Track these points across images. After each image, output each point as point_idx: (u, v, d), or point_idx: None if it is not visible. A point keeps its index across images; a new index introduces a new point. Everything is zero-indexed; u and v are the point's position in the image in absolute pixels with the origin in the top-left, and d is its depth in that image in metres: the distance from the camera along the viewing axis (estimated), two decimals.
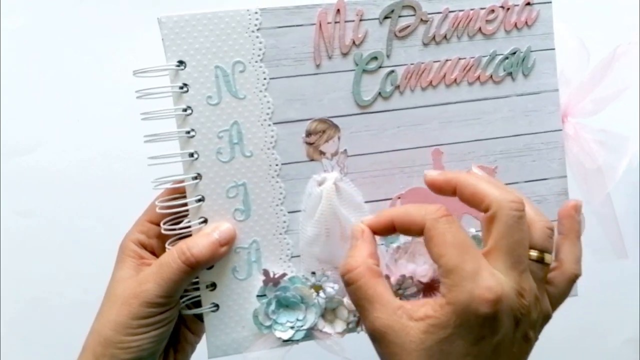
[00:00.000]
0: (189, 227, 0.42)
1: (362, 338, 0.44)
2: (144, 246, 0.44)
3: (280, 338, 0.43)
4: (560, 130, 0.46)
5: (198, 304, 0.43)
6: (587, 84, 0.45)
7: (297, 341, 0.43)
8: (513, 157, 0.46)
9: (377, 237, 0.43)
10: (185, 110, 0.42)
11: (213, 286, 0.43)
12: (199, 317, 0.45)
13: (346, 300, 0.44)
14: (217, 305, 0.43)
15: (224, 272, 0.43)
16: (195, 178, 0.42)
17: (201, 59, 0.42)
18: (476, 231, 0.45)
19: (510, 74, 0.45)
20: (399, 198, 0.45)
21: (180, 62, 0.41)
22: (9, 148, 0.69)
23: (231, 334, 0.43)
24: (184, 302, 0.43)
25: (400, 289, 0.43)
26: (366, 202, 0.44)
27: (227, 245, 0.42)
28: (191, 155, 0.42)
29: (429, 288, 0.44)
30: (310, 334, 0.43)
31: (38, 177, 0.69)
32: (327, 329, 0.44)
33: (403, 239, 0.44)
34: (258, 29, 0.42)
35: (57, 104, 0.69)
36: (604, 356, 0.75)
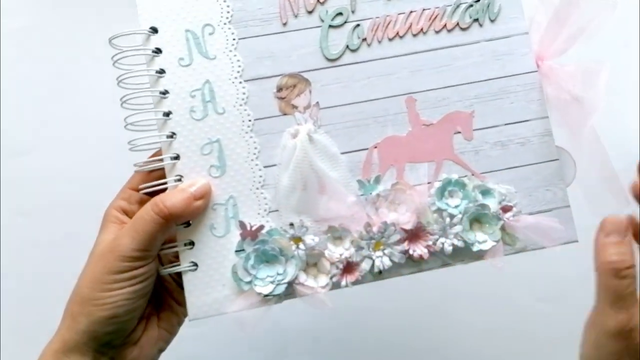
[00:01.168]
0: (165, 184, 0.44)
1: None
2: (125, 212, 0.47)
3: (260, 293, 0.43)
4: (536, 71, 0.48)
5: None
6: (554, 24, 0.47)
7: (279, 296, 0.44)
8: (488, 100, 0.47)
9: (356, 187, 0.44)
10: (158, 72, 0.45)
11: (191, 245, 0.45)
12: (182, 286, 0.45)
13: (327, 252, 0.44)
14: (195, 264, 0.45)
15: (202, 230, 0.45)
16: (170, 137, 0.45)
17: (172, 24, 0.46)
18: (459, 177, 0.45)
19: (476, 19, 0.48)
20: (375, 147, 0.46)
21: (153, 29, 0.45)
22: (9, 148, 0.73)
23: (212, 293, 0.44)
24: (165, 272, 0.44)
25: (384, 237, 0.44)
26: (342, 152, 0.46)
27: (202, 199, 0.44)
28: (165, 114, 0.45)
29: (413, 236, 0.45)
30: (291, 288, 0.44)
31: (38, 177, 0.72)
32: (309, 282, 0.44)
33: (382, 186, 0.45)
34: None
35: (57, 104, 0.74)
36: None
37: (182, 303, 0.48)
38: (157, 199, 0.43)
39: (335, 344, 0.71)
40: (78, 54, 0.74)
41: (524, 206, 0.47)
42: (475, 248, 0.45)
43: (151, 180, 0.46)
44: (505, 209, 0.46)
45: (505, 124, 0.48)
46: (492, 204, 0.46)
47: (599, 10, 0.45)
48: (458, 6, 0.48)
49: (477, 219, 0.46)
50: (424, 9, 0.48)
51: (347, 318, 0.65)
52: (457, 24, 0.48)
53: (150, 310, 0.47)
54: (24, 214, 0.72)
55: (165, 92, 0.46)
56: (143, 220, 0.43)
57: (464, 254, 0.46)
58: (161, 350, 0.48)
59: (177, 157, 0.45)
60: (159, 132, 0.45)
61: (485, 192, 0.46)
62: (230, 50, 0.47)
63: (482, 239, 0.46)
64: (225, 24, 0.47)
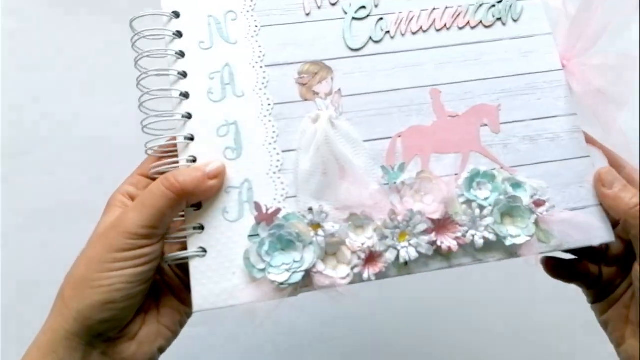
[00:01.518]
0: (177, 163, 0.42)
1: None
2: (132, 198, 0.44)
3: (274, 282, 0.39)
4: (561, 69, 0.47)
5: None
6: (576, 24, 0.48)
7: (295, 286, 0.40)
8: (516, 95, 0.47)
9: (379, 175, 0.42)
10: (178, 53, 0.44)
11: (201, 229, 0.41)
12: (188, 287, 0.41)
13: (348, 241, 0.41)
14: (204, 250, 0.41)
15: (213, 214, 0.42)
16: (186, 117, 0.43)
17: (194, 10, 0.46)
18: (487, 169, 0.44)
19: (499, 19, 0.49)
20: (399, 136, 0.44)
21: (175, 13, 0.45)
22: (9, 148, 0.72)
23: (220, 282, 0.40)
24: (169, 258, 0.41)
25: (409, 226, 0.41)
26: (364, 141, 0.45)
27: (216, 179, 0.41)
28: (183, 94, 0.43)
29: (441, 227, 0.42)
30: (309, 278, 0.40)
31: (38, 177, 0.70)
32: (328, 272, 0.40)
33: (407, 175, 0.43)
34: None
35: (57, 104, 0.74)
36: None
37: (184, 301, 0.45)
38: (168, 174, 0.41)
39: (335, 345, 0.67)
40: (78, 54, 0.75)
41: (557, 203, 0.45)
42: (508, 242, 0.43)
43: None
44: (538, 204, 0.44)
45: (533, 119, 0.47)
46: (524, 197, 0.44)
47: (620, 9, 0.45)
48: (481, 5, 0.49)
49: (509, 212, 0.44)
50: (446, 7, 0.49)
51: (351, 320, 0.61)
52: (481, 21, 0.49)
53: (151, 304, 0.44)
54: (24, 214, 0.70)
55: (183, 74, 0.45)
56: (152, 194, 0.40)
57: (496, 248, 0.43)
58: (162, 349, 0.44)
59: (191, 138, 0.44)
60: (175, 111, 0.44)
61: (516, 185, 0.44)
62: (252, 36, 0.46)
63: (515, 233, 0.43)
64: (248, 11, 0.47)
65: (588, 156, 0.46)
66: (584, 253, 0.49)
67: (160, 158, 0.45)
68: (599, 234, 0.44)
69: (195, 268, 0.41)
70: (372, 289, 0.44)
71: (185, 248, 0.42)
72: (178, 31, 0.46)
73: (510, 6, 0.49)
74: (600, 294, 0.49)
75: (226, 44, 0.46)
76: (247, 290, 0.41)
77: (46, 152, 0.73)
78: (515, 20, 0.49)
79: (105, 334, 0.40)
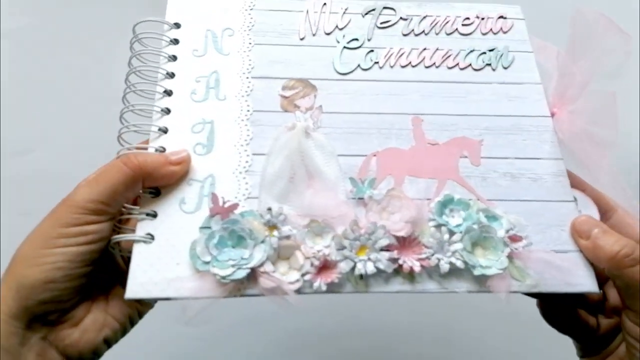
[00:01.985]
0: (146, 149, 0.41)
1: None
2: None
3: (217, 274, 0.37)
4: (549, 116, 0.47)
5: None
6: (564, 75, 0.47)
7: (238, 283, 0.37)
8: (500, 134, 0.46)
9: (347, 188, 0.41)
10: (171, 57, 0.46)
11: (154, 215, 0.40)
12: None
13: (303, 246, 0.38)
14: (152, 237, 0.39)
15: (170, 202, 0.41)
16: (164, 111, 0.44)
17: (195, 23, 0.49)
18: (460, 197, 0.41)
19: (489, 64, 0.49)
20: (374, 155, 0.43)
21: (176, 24, 0.48)
22: (9, 148, 0.72)
23: (162, 271, 0.38)
24: (115, 239, 0.39)
25: (370, 239, 0.38)
26: (338, 155, 0.43)
27: (178, 165, 0.41)
28: (166, 92, 0.44)
29: (406, 246, 0.39)
30: (254, 277, 0.37)
31: (38, 177, 0.70)
32: (276, 274, 0.37)
33: (376, 192, 0.41)
34: (251, 9, 0.50)
35: (57, 104, 0.75)
36: None
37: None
38: (130, 153, 0.40)
39: (336, 345, 0.61)
40: (78, 53, 0.77)
41: (535, 242, 0.41)
42: (477, 272, 0.39)
43: None
44: (515, 239, 0.41)
45: (516, 158, 0.45)
46: (499, 229, 0.41)
47: (608, 54, 0.45)
48: (472, 51, 0.50)
49: (481, 242, 0.41)
50: (437, 48, 0.50)
51: (352, 321, 0.55)
52: (470, 64, 0.49)
53: (99, 293, 0.41)
54: (24, 214, 0.67)
55: (171, 74, 0.46)
56: (108, 170, 0.39)
57: (464, 277, 0.40)
58: (108, 340, 0.40)
59: (165, 131, 0.44)
60: (155, 104, 0.44)
61: (491, 217, 0.41)
62: (245, 51, 0.48)
63: (485, 264, 0.39)
64: (245, 30, 0.49)
65: (572, 201, 0.44)
66: (581, 303, 0.45)
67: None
68: (580, 281, 0.40)
69: (139, 254, 0.39)
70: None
71: None
72: (175, 39, 0.48)
73: (502, 55, 0.50)
74: (593, 347, 0.44)
75: (218, 54, 0.48)
76: (187, 283, 0.38)
77: (46, 152, 0.73)
78: (505, 68, 0.50)
79: (45, 317, 0.37)
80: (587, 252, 0.41)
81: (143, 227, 0.40)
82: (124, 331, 0.42)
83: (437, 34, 0.51)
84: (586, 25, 0.46)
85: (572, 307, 0.45)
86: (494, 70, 0.50)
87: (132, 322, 0.42)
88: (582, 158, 0.44)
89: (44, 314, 0.37)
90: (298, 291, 0.38)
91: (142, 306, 0.43)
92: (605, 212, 0.45)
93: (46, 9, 0.84)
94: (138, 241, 0.39)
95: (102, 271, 0.41)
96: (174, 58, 0.47)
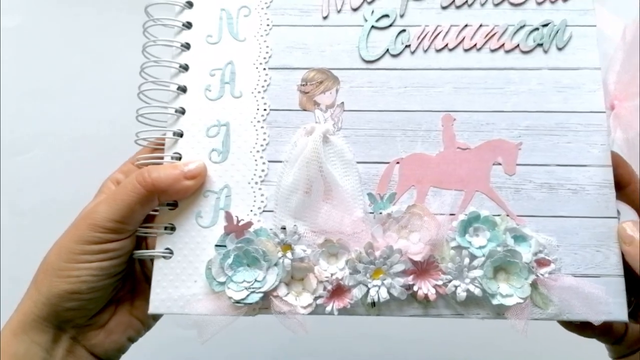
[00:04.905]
0: (161, 158, 0.41)
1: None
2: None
3: (231, 298, 0.37)
4: (604, 112, 0.41)
5: None
6: (629, 63, 0.40)
7: (252, 306, 0.38)
8: (542, 134, 0.41)
9: (366, 202, 0.39)
10: (183, 45, 0.43)
11: (172, 229, 0.40)
12: None
13: (317, 268, 0.38)
14: (171, 251, 0.40)
15: (187, 216, 0.41)
16: (179, 112, 0.42)
17: (209, 1, 0.44)
18: (490, 214, 0.39)
19: (541, 44, 0.43)
20: (398, 162, 0.40)
21: (188, 3, 0.44)
22: (9, 148, 0.73)
23: (180, 287, 0.40)
24: (137, 254, 0.40)
25: (385, 264, 0.37)
26: (358, 162, 0.41)
27: (194, 179, 0.40)
28: (180, 88, 0.42)
29: (423, 271, 0.38)
30: (267, 300, 0.38)
31: (38, 177, 0.72)
32: (289, 298, 0.38)
33: (396, 207, 0.39)
34: None
35: (57, 103, 0.74)
36: None
37: None
38: (143, 169, 0.40)
39: (336, 346, 0.64)
40: (78, 53, 0.75)
41: (565, 265, 0.39)
42: (495, 301, 0.38)
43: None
44: (542, 263, 0.39)
45: (557, 165, 0.41)
46: (526, 253, 0.38)
47: None
48: (522, 27, 0.43)
49: (504, 267, 0.39)
50: (481, 25, 0.43)
51: (352, 321, 0.59)
52: (518, 45, 0.43)
53: (124, 294, 0.44)
54: (24, 214, 0.72)
55: (185, 67, 0.44)
56: (124, 189, 0.39)
57: (482, 305, 0.39)
58: (131, 339, 0.44)
59: (180, 135, 0.42)
60: (169, 105, 0.43)
61: (519, 237, 0.39)
62: (262, 35, 0.44)
63: (506, 292, 0.38)
64: (262, 8, 0.45)
65: (614, 217, 0.40)
66: None
67: (154, 150, 0.44)
68: (608, 309, 0.38)
69: (159, 269, 0.40)
70: None
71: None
72: (188, 22, 0.45)
73: (557, 31, 0.43)
74: (624, 350, 0.43)
75: (234, 41, 0.44)
76: (204, 301, 0.39)
77: (45, 152, 0.74)
78: (559, 49, 0.43)
79: (73, 321, 0.41)
80: (629, 258, 0.39)
81: (162, 242, 0.41)
82: (147, 329, 0.45)
83: (482, 4, 0.44)
84: None
85: None
86: (545, 52, 0.43)
87: (155, 319, 0.45)
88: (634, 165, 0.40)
89: (72, 318, 0.40)
90: (311, 314, 0.39)
91: None
92: None
93: (46, 7, 0.80)
94: (158, 257, 0.41)
95: (127, 275, 0.43)
96: (187, 46, 0.44)
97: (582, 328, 0.43)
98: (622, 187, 0.41)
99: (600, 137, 0.41)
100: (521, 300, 0.38)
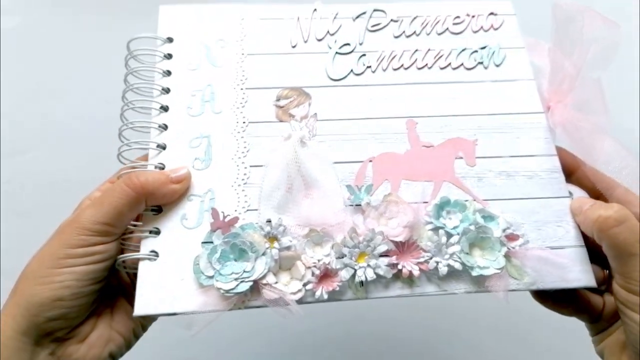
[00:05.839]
0: (146, 167, 0.42)
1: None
2: None
3: (220, 289, 0.38)
4: (542, 112, 0.47)
5: None
6: (555, 70, 0.47)
7: (242, 296, 0.38)
8: (493, 133, 0.47)
9: (344, 196, 0.42)
10: (165, 72, 0.47)
11: (157, 232, 0.41)
12: None
13: (304, 256, 0.39)
14: (156, 254, 0.40)
15: (172, 219, 0.42)
16: (162, 127, 0.44)
17: (188, 36, 0.49)
18: (457, 199, 0.42)
19: (481, 62, 0.50)
20: (370, 161, 0.44)
21: (169, 39, 0.48)
22: (9, 148, 0.73)
23: (166, 287, 0.39)
24: (121, 258, 0.40)
25: (369, 246, 0.39)
26: (335, 163, 0.44)
27: (179, 183, 0.42)
28: (162, 108, 0.45)
29: (404, 251, 0.40)
30: (257, 289, 0.38)
31: (38, 177, 0.71)
32: (278, 285, 0.38)
33: (373, 197, 0.42)
34: (242, 19, 0.50)
35: (57, 103, 0.75)
36: None
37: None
38: (131, 173, 0.41)
39: (337, 347, 0.62)
40: (77, 53, 0.77)
41: (532, 239, 0.42)
42: (475, 272, 0.40)
43: None
44: (511, 238, 0.42)
45: (510, 156, 0.46)
46: (495, 229, 0.41)
47: (598, 43, 0.46)
48: (463, 50, 0.50)
49: (478, 243, 0.41)
50: (429, 49, 0.50)
51: (353, 322, 0.56)
52: (462, 64, 0.50)
53: (105, 308, 0.42)
54: (24, 214, 0.70)
55: (167, 90, 0.47)
56: (112, 192, 0.40)
57: (463, 279, 0.40)
58: (113, 355, 0.42)
59: (163, 147, 0.44)
60: (152, 121, 0.45)
61: (488, 217, 0.42)
62: (237, 62, 0.49)
63: (483, 264, 0.40)
64: (237, 41, 0.50)
65: (568, 196, 0.44)
66: None
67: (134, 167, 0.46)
68: (577, 276, 0.41)
69: (144, 271, 0.40)
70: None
71: None
72: (169, 53, 0.49)
73: (494, 52, 0.51)
74: (603, 325, 0.45)
75: (212, 67, 0.48)
76: (192, 297, 0.39)
77: (45, 152, 0.74)
78: (497, 65, 0.50)
79: (53, 334, 0.39)
80: (581, 226, 0.42)
81: (147, 245, 0.41)
82: (128, 345, 0.43)
83: (428, 34, 0.52)
84: (568, 17, 0.46)
85: (571, 290, 0.45)
86: (486, 68, 0.50)
87: (137, 336, 0.44)
88: (580, 146, 0.45)
89: (52, 330, 0.38)
90: (300, 301, 0.39)
91: (145, 320, 0.44)
92: (606, 190, 0.45)
93: (45, 8, 0.83)
94: (143, 259, 0.40)
95: (107, 286, 0.42)
96: (168, 73, 0.48)
97: (561, 306, 0.45)
98: (571, 173, 0.47)
99: (542, 132, 0.47)
100: (498, 271, 0.40)
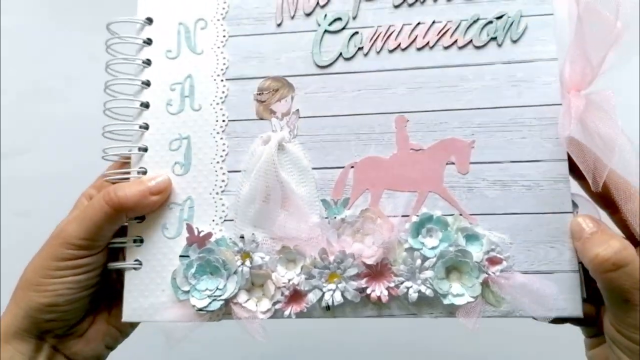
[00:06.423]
0: (128, 174, 0.43)
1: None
2: None
3: (194, 306, 0.40)
4: (559, 104, 0.40)
5: None
6: (578, 50, 0.39)
7: (214, 313, 0.40)
8: (495, 131, 0.41)
9: (321, 207, 0.40)
10: (145, 62, 0.45)
11: (140, 242, 0.43)
12: None
13: (275, 275, 0.40)
14: (140, 263, 0.42)
15: (153, 228, 0.43)
16: (143, 127, 0.44)
17: (167, 16, 0.46)
18: (442, 215, 0.39)
19: (494, 38, 0.42)
20: (352, 167, 0.41)
21: (148, 19, 0.45)
22: (9, 148, 0.75)
23: (150, 297, 0.42)
24: (111, 266, 0.43)
25: (339, 268, 0.39)
26: (314, 168, 0.42)
27: (159, 195, 0.42)
28: (143, 105, 0.44)
29: (377, 273, 0.39)
30: (229, 307, 0.40)
31: (38, 177, 0.74)
32: (249, 305, 0.40)
33: (350, 212, 0.40)
34: None
35: (57, 103, 0.76)
36: None
37: None
38: (110, 187, 0.42)
39: (334, 349, 0.65)
40: (77, 53, 0.75)
41: (518, 262, 0.39)
42: (446, 301, 0.39)
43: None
44: (493, 261, 0.39)
45: (511, 162, 0.41)
46: (477, 252, 0.39)
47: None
48: (475, 21, 0.43)
49: (456, 267, 0.39)
50: (434, 21, 0.43)
51: (353, 322, 0.61)
52: (471, 41, 0.42)
53: (102, 304, 0.46)
54: (24, 214, 0.73)
55: (147, 83, 0.45)
56: (92, 208, 0.42)
57: (434, 305, 0.40)
58: (109, 347, 0.46)
59: (145, 150, 0.44)
60: (133, 122, 0.45)
61: (472, 237, 0.40)
62: (219, 47, 0.45)
63: (457, 292, 0.39)
64: (218, 20, 0.46)
65: (569, 212, 0.40)
66: None
67: (122, 164, 0.46)
68: (562, 305, 0.38)
69: (129, 280, 0.43)
70: None
71: None
72: (149, 38, 0.46)
73: (512, 23, 0.42)
74: (598, 330, 0.43)
75: (192, 54, 0.45)
76: (171, 309, 0.42)
77: (45, 152, 0.75)
78: (514, 41, 0.42)
79: (53, 331, 0.43)
80: (578, 254, 0.39)
81: (132, 254, 0.43)
82: (125, 335, 0.47)
83: (435, 1, 0.44)
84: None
85: None
86: (499, 45, 0.42)
87: (133, 326, 0.47)
88: (595, 143, 0.39)
89: (52, 329, 0.43)
90: (270, 318, 0.41)
91: None
92: (623, 202, 0.40)
93: (45, 7, 0.81)
94: (128, 269, 0.43)
95: (104, 286, 0.45)
96: (148, 63, 0.46)
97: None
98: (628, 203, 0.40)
99: (555, 130, 0.41)
100: (472, 299, 0.39)
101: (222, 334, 0.67)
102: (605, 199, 0.41)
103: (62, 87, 0.78)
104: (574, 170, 0.41)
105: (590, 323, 0.43)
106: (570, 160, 0.40)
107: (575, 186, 0.42)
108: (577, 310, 0.38)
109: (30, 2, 0.81)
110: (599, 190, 0.38)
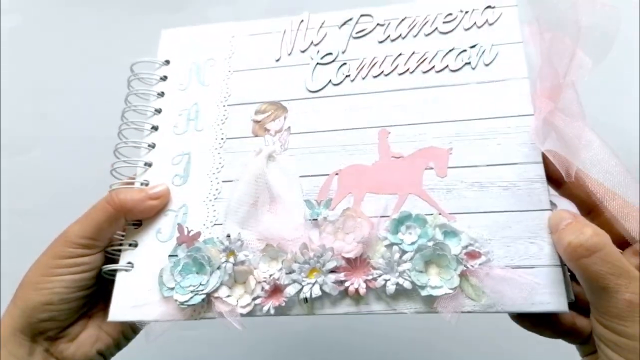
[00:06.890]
0: (132, 184, 0.46)
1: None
2: None
3: (177, 300, 0.41)
4: (532, 115, 0.42)
5: None
6: (548, 64, 0.42)
7: (196, 308, 0.40)
8: (473, 140, 0.43)
9: (303, 206, 0.42)
10: (159, 94, 0.50)
11: (135, 245, 0.45)
12: None
13: (257, 271, 0.40)
14: (132, 265, 0.44)
15: (149, 232, 0.46)
16: (151, 146, 0.48)
17: (183, 57, 0.52)
18: (421, 213, 0.40)
19: (468, 63, 0.46)
20: (337, 174, 0.44)
21: (166, 61, 0.52)
22: (9, 148, 0.76)
23: (136, 297, 0.44)
24: (105, 268, 0.45)
25: (319, 263, 0.39)
26: (302, 176, 0.45)
27: (157, 200, 0.45)
28: (153, 128, 0.49)
29: (356, 268, 0.40)
30: (210, 302, 0.40)
31: (38, 177, 0.75)
32: (230, 300, 0.40)
33: (332, 212, 0.42)
34: (233, 37, 0.52)
35: (57, 103, 0.78)
36: None
37: None
38: (112, 192, 0.46)
39: (337, 347, 0.63)
40: (78, 53, 0.78)
41: (498, 257, 0.39)
42: (424, 292, 0.38)
43: None
44: (472, 255, 0.39)
45: (487, 165, 0.42)
46: (454, 246, 0.39)
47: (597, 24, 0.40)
48: (451, 50, 0.47)
49: (435, 261, 0.39)
50: (413, 52, 0.48)
51: (353, 322, 0.57)
52: (447, 66, 0.47)
53: (97, 311, 0.47)
54: (24, 214, 0.73)
55: (159, 110, 0.51)
56: (94, 209, 0.45)
57: (413, 298, 0.39)
58: (101, 353, 0.47)
59: (150, 165, 0.48)
60: (143, 140, 0.49)
61: (450, 233, 0.40)
62: (223, 80, 0.51)
63: (435, 284, 0.38)
64: (225, 59, 0.52)
65: (547, 209, 0.40)
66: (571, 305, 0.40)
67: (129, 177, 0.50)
68: (545, 299, 0.37)
69: (120, 281, 0.44)
70: None
71: None
72: (165, 75, 0.53)
73: (484, 51, 0.47)
74: (593, 347, 0.40)
75: (200, 86, 0.51)
76: (155, 307, 0.42)
77: (45, 152, 0.76)
78: (487, 65, 0.46)
79: (45, 333, 0.45)
80: (556, 247, 0.38)
81: (125, 256, 0.45)
82: (117, 345, 0.48)
83: (415, 36, 0.49)
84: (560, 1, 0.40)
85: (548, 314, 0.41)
86: (473, 69, 0.46)
87: (127, 338, 0.48)
88: (567, 146, 0.40)
89: (44, 330, 0.44)
90: (250, 314, 0.41)
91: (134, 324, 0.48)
92: (601, 202, 0.39)
93: (46, 8, 0.83)
94: (120, 270, 0.45)
95: (99, 291, 0.47)
96: (162, 94, 0.52)
97: (540, 328, 0.41)
98: (561, 183, 0.42)
99: (529, 137, 0.42)
100: (450, 291, 0.38)
101: (222, 334, 0.66)
102: (586, 204, 0.41)
103: (62, 87, 0.78)
104: (553, 180, 0.42)
105: (584, 340, 0.41)
106: (547, 169, 0.42)
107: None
108: (561, 304, 0.37)
109: (30, 2, 0.82)
110: (572, 179, 0.39)
